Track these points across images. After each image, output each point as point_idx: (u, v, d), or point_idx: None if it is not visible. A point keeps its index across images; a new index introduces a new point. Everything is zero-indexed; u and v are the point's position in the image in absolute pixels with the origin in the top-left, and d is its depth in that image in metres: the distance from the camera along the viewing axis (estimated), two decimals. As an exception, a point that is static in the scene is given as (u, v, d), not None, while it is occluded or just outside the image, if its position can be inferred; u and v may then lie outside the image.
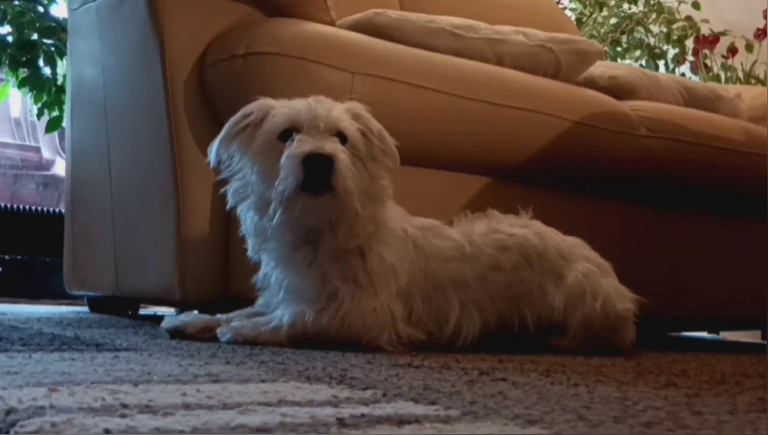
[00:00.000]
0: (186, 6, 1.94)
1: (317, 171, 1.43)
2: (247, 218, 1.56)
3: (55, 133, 3.44)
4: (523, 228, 1.71)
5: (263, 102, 1.55)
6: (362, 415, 0.74)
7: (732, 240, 2.56)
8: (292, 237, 1.52)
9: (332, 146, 1.45)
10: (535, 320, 1.66)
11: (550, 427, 0.73)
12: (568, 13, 4.07)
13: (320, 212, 1.48)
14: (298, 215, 1.47)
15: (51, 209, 3.42)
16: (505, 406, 0.84)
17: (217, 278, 1.91)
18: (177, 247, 1.90)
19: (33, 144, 4.75)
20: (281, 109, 1.51)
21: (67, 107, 2.55)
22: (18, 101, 4.58)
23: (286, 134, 1.48)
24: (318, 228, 1.51)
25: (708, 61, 4.00)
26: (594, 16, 4.19)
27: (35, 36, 3.21)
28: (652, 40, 4.14)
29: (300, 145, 1.44)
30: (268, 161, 1.48)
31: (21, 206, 3.39)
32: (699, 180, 2.43)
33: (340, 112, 1.51)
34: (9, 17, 3.20)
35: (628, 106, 2.39)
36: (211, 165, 1.58)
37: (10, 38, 3.20)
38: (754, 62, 3.95)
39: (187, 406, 0.76)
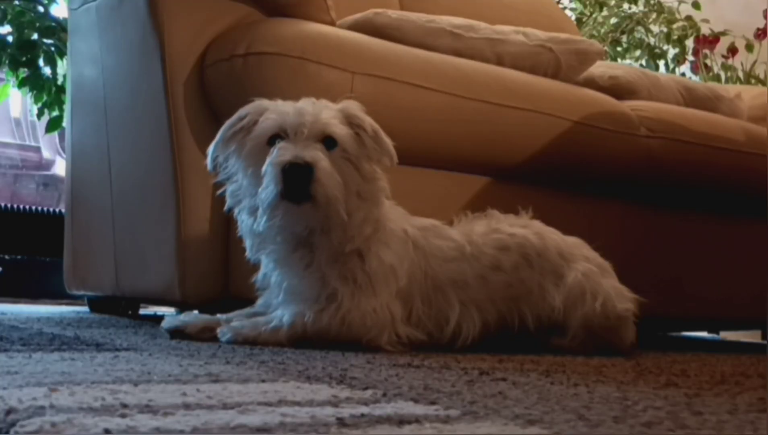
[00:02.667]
0: (186, 6, 1.94)
1: (296, 180, 1.43)
2: (243, 220, 1.57)
3: (55, 133, 3.44)
4: (523, 228, 1.71)
5: (258, 104, 1.55)
6: (362, 415, 0.74)
7: (732, 240, 2.56)
8: (284, 240, 1.53)
9: (313, 154, 1.44)
10: (535, 320, 1.66)
11: (550, 427, 0.73)
12: (568, 13, 4.07)
13: (301, 220, 1.49)
14: (280, 222, 1.48)
15: (51, 209, 3.42)
16: (505, 406, 0.84)
17: (217, 278, 1.91)
18: (177, 247, 1.90)
19: (33, 144, 4.75)
20: (271, 113, 1.51)
21: (67, 107, 2.55)
22: (18, 101, 4.58)
23: (274, 139, 1.48)
24: (306, 233, 1.52)
25: (708, 61, 4.00)
26: (594, 16, 4.19)
27: (35, 36, 3.21)
28: (652, 40, 4.14)
29: (281, 154, 1.45)
30: (258, 166, 1.49)
31: (21, 206, 3.39)
32: (699, 180, 2.43)
33: (329, 115, 1.50)
34: (9, 17, 3.20)
35: (628, 106, 2.39)
36: (208, 168, 1.59)
37: (10, 38, 3.20)
38: (754, 62, 3.95)
39: (187, 406, 0.76)
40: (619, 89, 2.50)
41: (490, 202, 1.80)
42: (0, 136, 4.68)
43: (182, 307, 2.02)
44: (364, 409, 0.78)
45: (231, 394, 0.85)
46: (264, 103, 1.55)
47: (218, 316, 1.63)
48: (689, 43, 4.10)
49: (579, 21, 4.14)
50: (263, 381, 0.97)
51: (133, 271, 2.12)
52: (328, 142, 1.49)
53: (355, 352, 1.44)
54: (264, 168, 1.46)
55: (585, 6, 4.22)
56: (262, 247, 1.56)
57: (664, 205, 2.42)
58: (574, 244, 1.74)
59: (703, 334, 3.16)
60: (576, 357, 1.54)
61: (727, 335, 3.21)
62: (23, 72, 3.21)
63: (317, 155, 1.45)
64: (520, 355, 1.52)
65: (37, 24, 3.21)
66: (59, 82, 3.18)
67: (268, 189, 1.45)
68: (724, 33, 4.02)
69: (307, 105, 1.51)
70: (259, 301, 1.65)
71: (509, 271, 1.66)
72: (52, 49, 3.19)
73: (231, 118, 1.55)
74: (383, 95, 1.89)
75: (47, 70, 3.21)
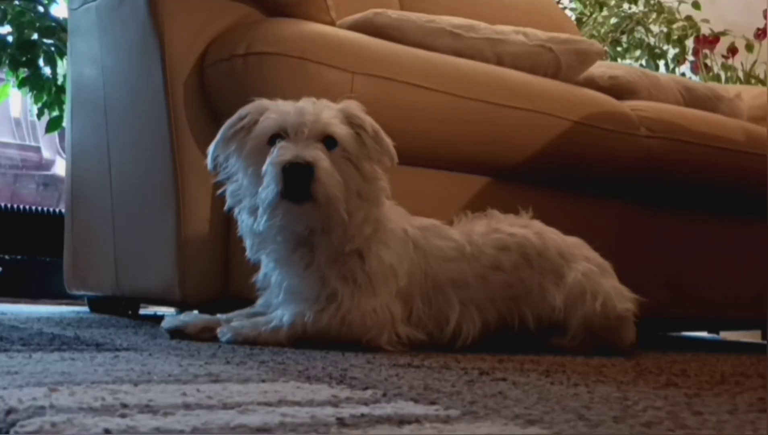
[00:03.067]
0: (186, 6, 1.94)
1: (297, 180, 1.43)
2: (243, 220, 1.57)
3: (55, 133, 3.44)
4: (523, 228, 1.71)
5: (258, 104, 1.55)
6: (362, 415, 0.74)
7: (732, 240, 2.56)
8: (284, 240, 1.53)
9: (313, 154, 1.44)
10: (535, 320, 1.66)
11: (550, 427, 0.73)
12: (568, 13, 4.07)
13: (302, 220, 1.49)
14: (281, 222, 1.48)
15: (51, 209, 3.42)
16: (505, 406, 0.84)
17: (217, 278, 1.91)
18: (177, 247, 1.90)
19: (33, 144, 4.75)
20: (271, 113, 1.51)
21: (67, 107, 2.55)
22: (18, 101, 4.58)
23: (275, 139, 1.48)
24: (307, 232, 1.52)
25: (708, 61, 4.00)
26: (594, 16, 4.19)
27: (35, 36, 3.21)
28: (652, 40, 4.14)
29: (281, 153, 1.45)
30: (258, 166, 1.49)
31: (21, 206, 3.39)
32: (699, 180, 2.43)
33: (330, 115, 1.50)
34: (9, 17, 3.20)
35: (628, 106, 2.39)
36: (209, 167, 1.59)
37: (10, 38, 3.20)
38: (754, 62, 3.96)
39: (187, 406, 0.76)
40: (619, 89, 2.50)
41: (490, 202, 1.80)
42: (0, 136, 4.68)
43: (182, 307, 2.01)
44: (364, 409, 0.78)
45: (231, 394, 0.85)
46: (264, 102, 1.55)
47: (218, 316, 1.63)
48: (689, 43, 4.10)
49: (579, 21, 4.14)
50: (263, 381, 0.97)
51: (133, 271, 2.12)
52: (329, 141, 1.49)
53: (355, 352, 1.44)
54: (264, 167, 1.46)
55: (585, 6, 4.22)
56: (262, 247, 1.56)
57: (664, 205, 2.42)
58: (574, 244, 1.74)
59: (703, 334, 3.16)
60: (576, 357, 1.54)
61: (727, 335, 3.21)
62: (23, 72, 3.21)
63: (318, 155, 1.45)
64: (520, 355, 1.52)
65: (37, 24, 3.21)
66: (59, 82, 3.19)
67: (268, 188, 1.45)
68: (724, 33, 4.02)
69: (307, 105, 1.51)
70: (259, 301, 1.65)
71: (509, 271, 1.66)
72: (52, 49, 3.19)
73: (231, 118, 1.55)
74: (383, 95, 1.89)
75: (47, 70, 3.21)
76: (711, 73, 3.97)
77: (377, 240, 1.55)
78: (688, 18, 4.11)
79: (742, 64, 3.97)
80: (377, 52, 1.95)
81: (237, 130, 1.54)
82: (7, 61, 3.18)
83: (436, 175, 2.04)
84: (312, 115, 1.48)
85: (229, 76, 1.87)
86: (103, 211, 2.22)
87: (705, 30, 4.06)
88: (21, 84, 3.21)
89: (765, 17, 3.97)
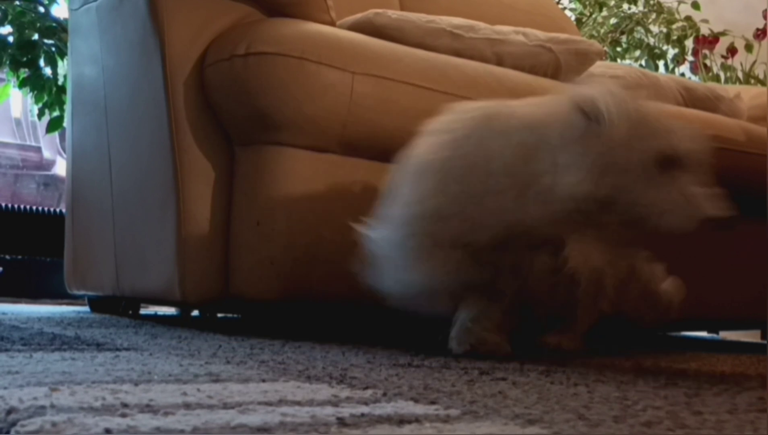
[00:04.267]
0: (186, 6, 1.94)
1: None
2: None
3: (56, 133, 3.44)
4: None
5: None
6: (362, 415, 0.74)
7: (732, 240, 2.55)
8: None
9: None
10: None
11: (550, 427, 0.73)
12: (568, 13, 4.07)
13: None
14: None
15: (51, 209, 3.42)
16: (505, 406, 0.84)
17: (217, 278, 1.91)
18: (177, 247, 1.90)
19: (33, 144, 4.75)
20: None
21: (67, 107, 2.55)
22: (18, 101, 4.58)
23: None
24: None
25: (708, 61, 4.00)
26: (594, 16, 4.19)
27: (36, 36, 3.21)
28: (652, 40, 4.14)
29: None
30: None
31: (21, 206, 3.39)
32: (699, 180, 2.42)
33: None
34: (10, 17, 3.20)
35: (628, 106, 2.38)
36: None
37: (10, 38, 3.20)
38: (754, 62, 3.96)
39: (187, 406, 0.76)
40: (619, 89, 2.50)
41: (490, 202, 1.79)
42: (0, 136, 4.68)
43: (182, 306, 2.02)
44: (365, 409, 0.78)
45: (231, 393, 0.85)
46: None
47: None
48: (689, 43, 4.10)
49: (579, 21, 4.14)
50: (263, 381, 0.97)
51: (133, 271, 2.12)
52: None
53: (355, 352, 1.44)
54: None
55: (585, 6, 4.22)
56: None
57: (664, 205, 2.41)
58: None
59: (703, 334, 3.16)
60: (576, 357, 1.55)
61: (727, 335, 3.21)
62: (24, 72, 3.21)
63: None
64: (520, 355, 1.52)
65: (38, 24, 3.21)
66: (60, 83, 3.19)
67: None
68: (723, 33, 4.02)
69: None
70: None
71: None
72: (53, 49, 3.19)
73: None
74: (383, 95, 1.89)
75: (48, 71, 3.21)
76: (711, 74, 3.97)
77: None
78: (688, 18, 4.11)
79: (741, 64, 3.97)
80: (377, 52, 1.96)
81: None
82: (7, 62, 3.18)
83: (436, 175, 2.04)
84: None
85: (229, 76, 1.87)
86: (104, 211, 2.23)
87: (704, 30, 4.06)
88: (21, 84, 3.21)
89: (765, 17, 3.97)
